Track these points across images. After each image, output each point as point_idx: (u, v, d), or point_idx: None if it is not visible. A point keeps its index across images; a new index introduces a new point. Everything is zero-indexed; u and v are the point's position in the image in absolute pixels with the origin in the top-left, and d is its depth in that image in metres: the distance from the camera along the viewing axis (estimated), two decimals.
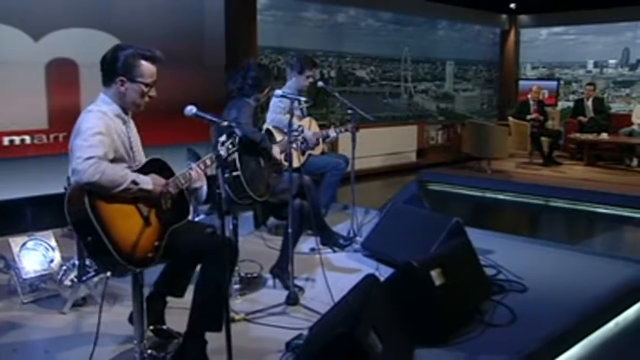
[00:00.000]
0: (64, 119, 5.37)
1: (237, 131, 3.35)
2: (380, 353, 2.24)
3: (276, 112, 4.50)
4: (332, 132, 4.90)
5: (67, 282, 3.36)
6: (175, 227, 2.52)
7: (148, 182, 2.41)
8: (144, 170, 2.51)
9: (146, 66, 2.52)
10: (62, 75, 5.65)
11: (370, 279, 2.71)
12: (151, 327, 2.96)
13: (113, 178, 2.28)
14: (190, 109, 2.45)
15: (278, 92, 3.73)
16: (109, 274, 3.38)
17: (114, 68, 2.51)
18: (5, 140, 5.39)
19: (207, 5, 6.87)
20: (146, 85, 2.53)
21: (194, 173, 2.58)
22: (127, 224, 2.34)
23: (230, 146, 2.85)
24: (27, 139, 5.51)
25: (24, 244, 3.57)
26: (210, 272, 2.54)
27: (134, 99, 2.54)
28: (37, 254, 3.58)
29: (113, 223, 2.29)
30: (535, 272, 4.04)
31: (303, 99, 4.05)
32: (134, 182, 2.34)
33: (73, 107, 5.58)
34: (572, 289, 3.78)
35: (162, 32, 6.26)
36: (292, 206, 3.44)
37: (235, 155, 2.93)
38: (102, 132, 2.38)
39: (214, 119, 2.39)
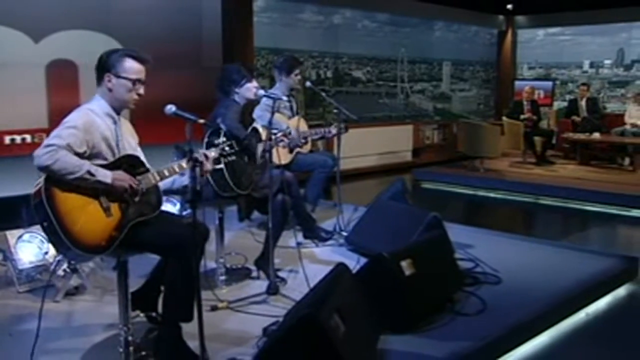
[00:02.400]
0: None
1: (223, 127, 3.56)
2: (342, 335, 2.41)
3: (262, 110, 4.68)
4: (319, 132, 5.08)
5: (60, 273, 3.55)
6: (141, 220, 2.66)
7: (107, 175, 2.55)
8: (116, 164, 2.66)
9: (131, 63, 2.71)
10: (62, 76, 5.85)
11: (340, 267, 2.88)
12: (142, 314, 3.14)
13: (66, 166, 2.43)
14: (170, 108, 2.62)
15: (261, 92, 3.90)
16: (91, 264, 3.61)
17: (103, 66, 2.72)
18: (7, 139, 5.59)
19: (204, 8, 7.05)
20: (132, 81, 2.70)
21: (171, 171, 2.74)
22: (84, 213, 2.49)
23: (227, 148, 3.04)
24: (28, 137, 5.71)
25: (20, 237, 3.77)
26: (177, 265, 2.67)
27: (121, 95, 2.72)
28: (32, 246, 3.77)
29: (67, 211, 2.45)
30: (512, 266, 4.20)
31: (285, 97, 4.21)
32: (90, 173, 2.48)
33: (73, 107, 5.75)
34: (545, 281, 3.94)
35: (160, 33, 6.45)
36: (274, 201, 3.62)
37: (231, 157, 3.10)
38: (76, 127, 2.54)
39: (192, 117, 2.55)
